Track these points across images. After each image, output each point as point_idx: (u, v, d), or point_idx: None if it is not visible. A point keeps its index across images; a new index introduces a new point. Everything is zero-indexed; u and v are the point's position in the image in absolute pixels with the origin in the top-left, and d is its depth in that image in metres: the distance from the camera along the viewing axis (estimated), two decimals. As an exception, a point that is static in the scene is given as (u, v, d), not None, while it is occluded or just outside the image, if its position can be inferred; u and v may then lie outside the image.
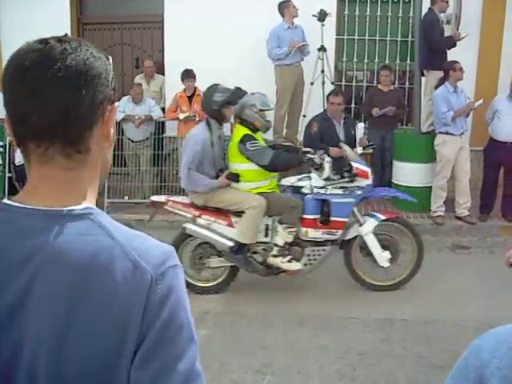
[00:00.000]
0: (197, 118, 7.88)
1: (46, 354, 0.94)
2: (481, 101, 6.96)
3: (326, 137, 6.40)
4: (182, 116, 7.91)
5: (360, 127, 6.30)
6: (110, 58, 1.09)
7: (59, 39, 1.02)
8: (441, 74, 7.34)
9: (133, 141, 8.20)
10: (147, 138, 8.24)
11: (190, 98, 8.00)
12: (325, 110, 6.76)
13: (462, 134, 7.00)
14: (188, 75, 7.89)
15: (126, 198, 8.13)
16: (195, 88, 7.97)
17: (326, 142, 6.27)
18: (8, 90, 1.00)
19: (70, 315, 0.94)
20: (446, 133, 6.99)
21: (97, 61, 1.02)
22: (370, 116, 7.88)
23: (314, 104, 7.83)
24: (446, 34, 7.59)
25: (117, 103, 1.07)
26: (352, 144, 6.11)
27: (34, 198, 1.00)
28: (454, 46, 7.39)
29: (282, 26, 7.86)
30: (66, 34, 1.11)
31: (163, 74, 9.00)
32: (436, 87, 7.21)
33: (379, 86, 7.95)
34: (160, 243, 1.05)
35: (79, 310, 0.94)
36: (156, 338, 0.96)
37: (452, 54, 7.52)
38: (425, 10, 7.46)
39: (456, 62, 6.95)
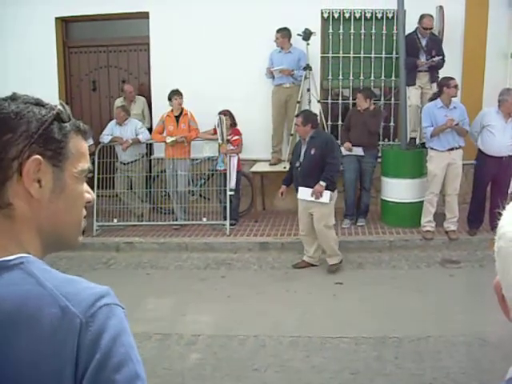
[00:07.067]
0: (185, 143, 7.88)
1: None
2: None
3: (294, 155, 6.82)
4: (169, 140, 7.88)
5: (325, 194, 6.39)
6: (57, 107, 1.05)
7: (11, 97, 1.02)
8: (414, 90, 7.53)
9: (123, 163, 8.18)
10: (136, 160, 8.22)
11: (178, 117, 8.00)
12: None
13: (452, 149, 6.92)
14: (176, 93, 7.90)
15: (116, 220, 8.07)
16: (182, 108, 7.98)
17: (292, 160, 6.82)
18: None
19: None
20: (431, 148, 7.04)
21: (16, 115, 1.00)
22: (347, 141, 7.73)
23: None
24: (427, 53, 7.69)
25: (37, 157, 1.00)
26: (311, 163, 6.34)
27: None
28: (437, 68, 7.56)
29: (276, 49, 8.30)
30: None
31: (147, 95, 9.02)
32: (429, 101, 7.26)
33: (357, 107, 7.83)
34: (94, 285, 1.00)
35: (6, 369, 0.90)
36: (91, 380, 0.91)
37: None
38: (408, 27, 7.57)
39: (451, 78, 6.88)
